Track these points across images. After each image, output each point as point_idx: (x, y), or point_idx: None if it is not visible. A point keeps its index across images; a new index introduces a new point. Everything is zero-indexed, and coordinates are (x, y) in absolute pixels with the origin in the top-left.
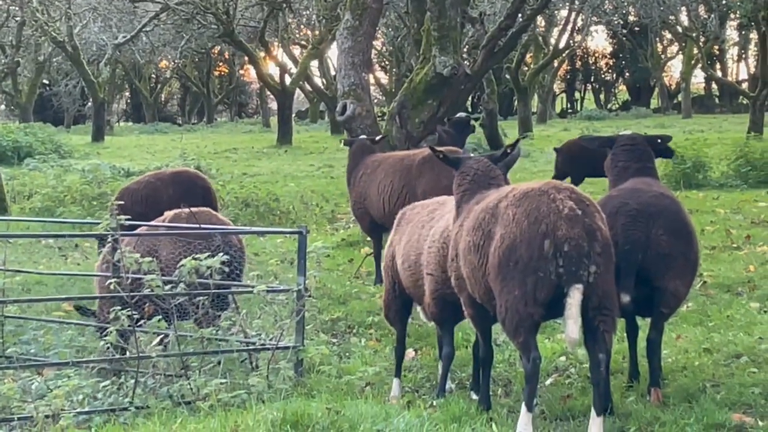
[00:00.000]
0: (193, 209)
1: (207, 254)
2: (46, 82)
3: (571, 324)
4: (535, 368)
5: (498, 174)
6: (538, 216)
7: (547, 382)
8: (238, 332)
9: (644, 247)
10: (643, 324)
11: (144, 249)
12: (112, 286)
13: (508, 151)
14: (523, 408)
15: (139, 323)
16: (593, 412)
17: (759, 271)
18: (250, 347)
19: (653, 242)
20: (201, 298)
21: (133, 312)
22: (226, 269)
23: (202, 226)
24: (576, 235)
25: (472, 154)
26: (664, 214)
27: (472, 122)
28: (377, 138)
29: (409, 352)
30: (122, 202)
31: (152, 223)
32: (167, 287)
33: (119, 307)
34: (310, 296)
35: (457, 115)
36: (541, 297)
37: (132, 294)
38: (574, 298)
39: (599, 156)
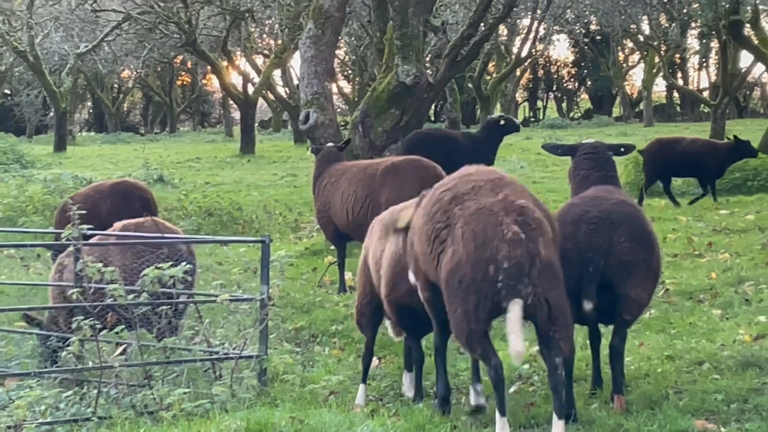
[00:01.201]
0: (140, 220)
1: (170, 264)
2: (8, 92)
3: (513, 338)
4: (499, 375)
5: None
6: (484, 239)
7: (511, 390)
8: (201, 342)
9: (606, 254)
10: (606, 331)
11: (95, 260)
12: (74, 296)
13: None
14: (497, 414)
15: (101, 333)
16: (555, 417)
17: (721, 278)
18: (214, 357)
19: (615, 250)
20: (164, 307)
21: (96, 322)
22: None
23: (165, 235)
24: (517, 255)
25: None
26: (625, 222)
27: (516, 121)
28: (342, 143)
29: (373, 361)
30: (84, 212)
31: (105, 232)
32: (130, 297)
33: (81, 317)
34: (273, 305)
35: (489, 117)
36: (482, 315)
37: (95, 304)
38: (514, 313)
39: (681, 156)
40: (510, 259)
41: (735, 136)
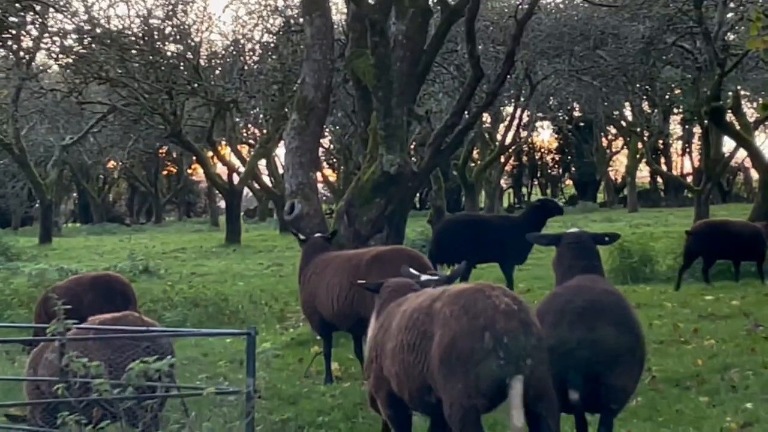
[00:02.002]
0: (117, 314)
1: (155, 357)
2: None
3: (515, 413)
4: None
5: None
6: (475, 312)
7: None
8: None
9: (592, 344)
10: (593, 420)
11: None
12: (60, 391)
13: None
14: None
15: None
16: None
17: (707, 364)
18: None
19: (600, 339)
20: (150, 401)
21: (82, 417)
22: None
23: (150, 328)
24: (513, 328)
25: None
26: (609, 311)
27: (558, 203)
28: (329, 234)
29: None
30: (69, 306)
31: (83, 326)
32: (115, 391)
33: (67, 413)
34: (260, 397)
35: (533, 201)
36: (483, 388)
37: (80, 399)
38: (516, 389)
39: (733, 238)
40: (508, 332)
41: None
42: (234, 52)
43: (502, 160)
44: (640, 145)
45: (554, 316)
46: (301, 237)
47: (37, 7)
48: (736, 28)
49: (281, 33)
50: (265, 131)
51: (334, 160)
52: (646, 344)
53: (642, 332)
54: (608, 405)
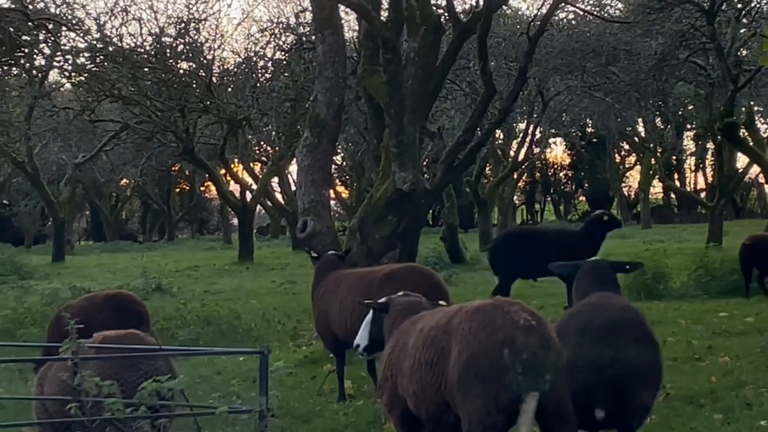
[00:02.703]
0: (120, 332)
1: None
2: (6, 202)
3: (525, 430)
4: None
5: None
6: (494, 327)
7: None
8: None
9: (615, 361)
10: None
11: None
12: (73, 411)
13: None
14: None
15: None
16: None
17: (721, 382)
18: None
19: (623, 357)
20: (162, 420)
21: None
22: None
23: (162, 347)
24: (533, 344)
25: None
26: (630, 327)
27: (617, 217)
28: (342, 252)
29: None
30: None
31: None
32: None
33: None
34: (272, 416)
35: (594, 213)
36: (503, 404)
37: (93, 418)
38: (530, 405)
39: None
40: (528, 348)
41: None
42: (246, 70)
43: (515, 176)
44: (653, 161)
45: (575, 335)
46: (314, 255)
47: (50, 26)
48: (749, 43)
49: (293, 50)
50: (277, 148)
51: (347, 177)
52: (663, 360)
53: (660, 347)
54: (630, 421)
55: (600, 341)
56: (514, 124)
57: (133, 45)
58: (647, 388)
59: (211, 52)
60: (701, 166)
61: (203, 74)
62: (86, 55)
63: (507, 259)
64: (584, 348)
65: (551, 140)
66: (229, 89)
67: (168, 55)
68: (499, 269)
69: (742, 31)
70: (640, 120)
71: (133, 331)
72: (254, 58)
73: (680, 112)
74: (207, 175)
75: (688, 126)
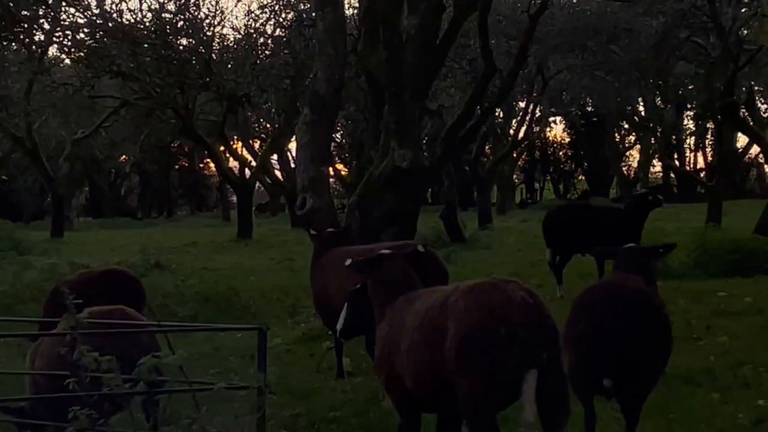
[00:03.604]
0: (106, 307)
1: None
2: (5, 177)
3: (528, 407)
4: None
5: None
6: (491, 305)
7: None
8: (198, 430)
9: (621, 336)
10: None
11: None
12: (71, 386)
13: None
14: None
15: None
16: None
17: (719, 361)
18: None
19: (629, 332)
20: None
21: (92, 411)
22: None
23: (161, 322)
24: (530, 322)
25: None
26: (639, 306)
27: (660, 197)
28: (341, 229)
29: None
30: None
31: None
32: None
33: (78, 407)
34: (271, 392)
35: (638, 192)
36: (499, 381)
37: (91, 393)
38: (530, 382)
39: None
40: (524, 326)
41: None
42: (246, 47)
43: (515, 155)
44: (653, 141)
45: (590, 310)
46: (313, 232)
47: (50, 1)
48: (750, 23)
49: (293, 27)
50: (277, 126)
51: (346, 154)
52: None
53: (670, 325)
54: (636, 391)
55: (612, 316)
56: (514, 103)
57: (132, 21)
58: (653, 362)
59: (211, 28)
60: (701, 145)
61: (203, 51)
62: (86, 30)
63: (560, 233)
64: (597, 322)
65: (551, 119)
66: (229, 66)
67: (168, 31)
68: (548, 241)
69: (743, 10)
70: (640, 99)
71: (119, 307)
72: (254, 35)
73: (680, 92)
74: (206, 152)
75: (688, 105)
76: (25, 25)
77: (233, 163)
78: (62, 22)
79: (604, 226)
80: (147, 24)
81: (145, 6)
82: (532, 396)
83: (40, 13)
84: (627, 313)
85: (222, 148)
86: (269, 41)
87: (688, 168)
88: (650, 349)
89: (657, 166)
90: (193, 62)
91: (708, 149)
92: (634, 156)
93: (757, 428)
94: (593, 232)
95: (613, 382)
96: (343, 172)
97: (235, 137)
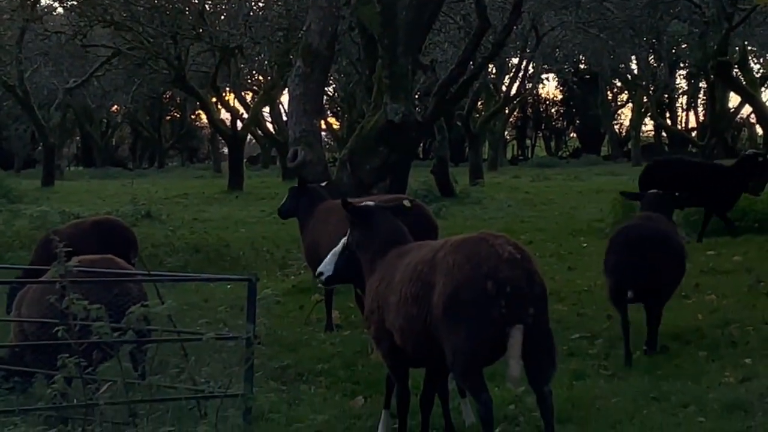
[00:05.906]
0: (94, 257)
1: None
2: None
3: (513, 363)
4: (488, 410)
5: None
6: (479, 260)
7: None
8: (186, 380)
9: (642, 259)
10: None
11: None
12: (60, 333)
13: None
14: None
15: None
16: None
17: (707, 319)
18: (199, 395)
19: (656, 259)
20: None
21: (81, 359)
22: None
23: (151, 271)
24: (517, 277)
25: None
26: (658, 237)
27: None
28: (323, 184)
29: (359, 400)
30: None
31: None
32: (115, 334)
33: (66, 355)
34: (259, 343)
35: (747, 152)
36: (486, 335)
37: (80, 341)
38: (516, 338)
39: None
40: (511, 281)
41: None
42: None
43: (507, 111)
44: (645, 99)
45: (620, 241)
46: (309, 185)
47: None
48: None
49: None
50: (269, 78)
51: (338, 108)
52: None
53: (685, 252)
54: (657, 302)
55: (637, 247)
56: (507, 59)
57: None
58: (669, 280)
59: None
60: (693, 105)
61: (196, 1)
62: None
63: (657, 184)
64: (624, 252)
65: (544, 76)
66: (222, 17)
67: None
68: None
69: None
70: (633, 57)
71: (107, 256)
72: None
73: (674, 50)
74: (198, 103)
75: (681, 64)
76: None
77: (225, 115)
78: None
79: (706, 184)
80: None
81: None
82: (518, 351)
83: None
84: (651, 245)
85: (214, 99)
86: None
87: (679, 127)
88: (669, 272)
89: (649, 125)
90: (186, 13)
91: (700, 108)
92: (626, 114)
93: (744, 386)
94: (695, 186)
95: (634, 294)
96: (335, 126)
97: (228, 89)
